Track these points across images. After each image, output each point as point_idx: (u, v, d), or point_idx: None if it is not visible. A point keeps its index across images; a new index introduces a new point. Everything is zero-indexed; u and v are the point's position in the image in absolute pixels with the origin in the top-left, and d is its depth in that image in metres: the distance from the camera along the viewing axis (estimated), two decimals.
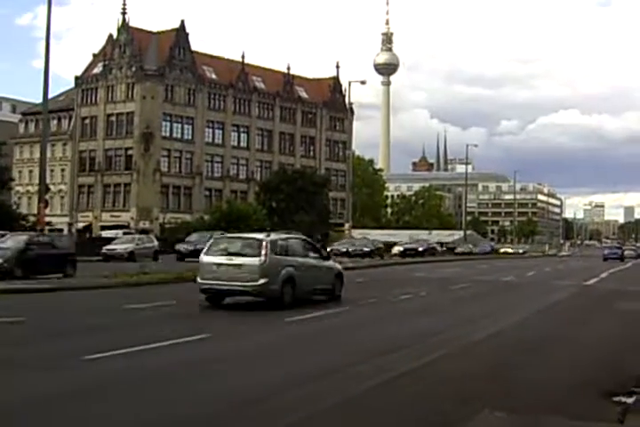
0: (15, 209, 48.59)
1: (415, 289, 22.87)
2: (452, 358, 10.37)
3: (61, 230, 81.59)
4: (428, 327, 14.06)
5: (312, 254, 19.12)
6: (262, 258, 16.73)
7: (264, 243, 17.07)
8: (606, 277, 35.62)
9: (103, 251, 41.34)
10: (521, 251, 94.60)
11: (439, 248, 78.24)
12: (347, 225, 65.92)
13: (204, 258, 17.46)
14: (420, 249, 65.13)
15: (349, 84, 68.49)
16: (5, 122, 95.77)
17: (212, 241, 18.61)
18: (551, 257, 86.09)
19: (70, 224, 68.43)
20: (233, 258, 16.96)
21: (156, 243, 45.06)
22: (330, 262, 20.30)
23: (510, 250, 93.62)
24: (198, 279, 17.18)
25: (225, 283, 16.61)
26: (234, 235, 21.81)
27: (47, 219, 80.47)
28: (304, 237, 20.95)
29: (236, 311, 16.36)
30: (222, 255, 17.17)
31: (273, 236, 18.42)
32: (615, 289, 27.10)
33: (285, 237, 19.25)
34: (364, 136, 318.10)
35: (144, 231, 74.83)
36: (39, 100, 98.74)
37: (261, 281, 16.54)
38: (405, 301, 19.97)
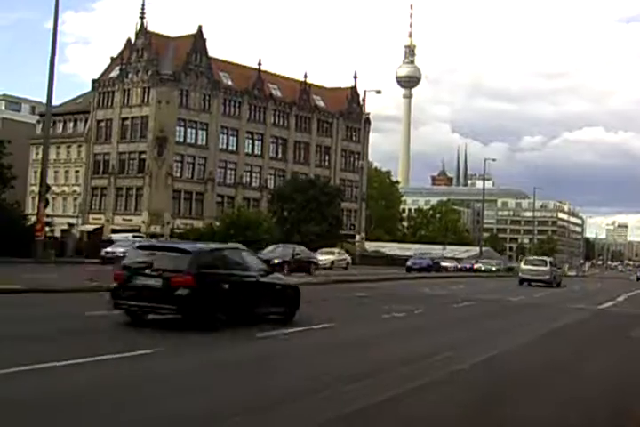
0: (17, 208, 47.96)
1: None
2: (431, 391, 9.36)
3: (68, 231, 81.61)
4: (416, 350, 13.04)
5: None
6: (549, 267, 46.08)
7: (548, 261, 49.40)
8: (623, 301, 33.96)
9: (102, 254, 40.54)
10: (494, 268, 76.94)
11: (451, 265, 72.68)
12: (357, 236, 65.07)
13: (523, 266, 47.07)
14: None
15: (365, 94, 68.30)
16: (24, 123, 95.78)
17: (524, 259, 52.06)
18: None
19: (71, 225, 67.68)
20: (536, 267, 45.37)
21: None
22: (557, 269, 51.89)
23: (482, 266, 76.76)
24: (520, 275, 45.83)
25: (534, 277, 43.90)
26: (535, 258, 56.49)
27: (60, 220, 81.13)
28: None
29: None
30: (532, 265, 45.64)
31: (549, 259, 53.53)
32: (632, 314, 25.72)
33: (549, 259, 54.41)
34: (385, 148, 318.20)
35: (153, 236, 74.56)
36: (57, 101, 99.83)
37: (547, 277, 44.22)
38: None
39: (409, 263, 62.11)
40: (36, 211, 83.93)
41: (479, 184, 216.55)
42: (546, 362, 12.63)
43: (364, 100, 75.93)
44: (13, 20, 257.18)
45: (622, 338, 17.32)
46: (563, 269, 64.97)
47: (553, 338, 16.89)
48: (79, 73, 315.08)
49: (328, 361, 11.22)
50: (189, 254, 13.61)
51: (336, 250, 55.35)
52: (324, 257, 50.05)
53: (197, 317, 13.45)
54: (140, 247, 15.22)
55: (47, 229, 42.28)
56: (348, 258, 54.85)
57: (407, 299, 26.33)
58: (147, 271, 13.42)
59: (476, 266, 76.64)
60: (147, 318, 13.97)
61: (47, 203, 31.92)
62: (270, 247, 42.79)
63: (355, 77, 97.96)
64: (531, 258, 53.88)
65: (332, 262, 50.72)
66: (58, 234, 62.10)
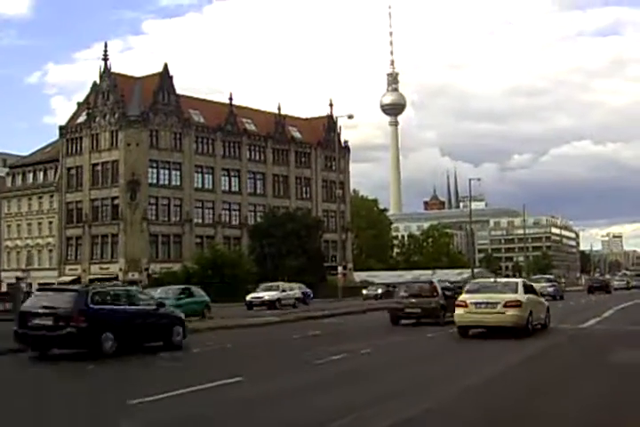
0: None
1: None
2: None
3: (51, 284, 78.91)
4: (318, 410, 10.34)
5: None
6: (626, 281, 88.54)
7: (626, 279, 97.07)
8: (610, 316, 31.18)
9: None
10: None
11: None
12: (340, 268, 62.28)
13: (615, 282, 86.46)
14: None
15: (337, 120, 66.35)
16: None
17: (616, 275, 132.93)
18: None
19: (19, 279, 65.03)
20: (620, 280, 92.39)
21: None
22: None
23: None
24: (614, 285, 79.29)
25: (620, 286, 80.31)
26: (623, 273, 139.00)
27: (38, 273, 78.46)
28: None
29: None
30: (619, 277, 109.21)
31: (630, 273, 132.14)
32: (617, 331, 23.20)
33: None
34: (376, 178, 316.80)
35: (133, 283, 71.92)
36: (26, 152, 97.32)
37: (625, 284, 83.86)
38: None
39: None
40: (15, 266, 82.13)
41: (472, 206, 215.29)
42: (506, 405, 10.40)
43: (338, 126, 74.36)
44: None
45: (603, 364, 14.91)
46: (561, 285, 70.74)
47: (522, 368, 14.60)
48: (60, 123, 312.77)
49: None
50: None
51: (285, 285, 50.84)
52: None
53: None
54: None
55: None
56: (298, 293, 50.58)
57: (362, 335, 23.67)
58: None
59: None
60: None
61: None
62: None
63: (331, 105, 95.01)
64: (619, 273, 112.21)
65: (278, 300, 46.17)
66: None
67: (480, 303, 21.38)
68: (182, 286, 36.25)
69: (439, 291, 27.83)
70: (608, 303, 41.99)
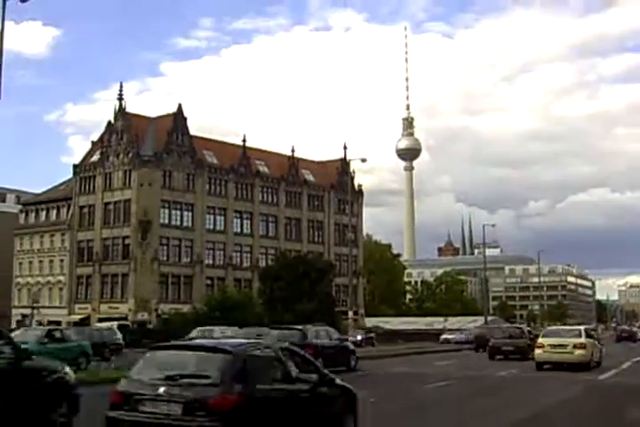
0: None
1: None
2: None
3: (59, 323, 78.46)
4: None
5: None
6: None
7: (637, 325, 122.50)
8: (627, 368, 30.22)
9: None
10: None
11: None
12: (350, 313, 61.52)
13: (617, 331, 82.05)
14: None
15: (349, 163, 66.09)
16: (8, 213, 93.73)
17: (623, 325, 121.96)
18: None
19: (25, 316, 64.56)
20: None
21: (119, 336, 41.24)
22: None
23: None
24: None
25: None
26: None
27: (47, 311, 78.25)
28: None
29: None
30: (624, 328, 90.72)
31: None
32: (636, 385, 21.98)
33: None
34: (390, 222, 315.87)
35: (142, 323, 71.38)
36: (42, 190, 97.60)
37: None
38: None
39: None
40: (25, 303, 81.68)
41: (486, 252, 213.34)
42: None
43: (352, 170, 74.33)
44: (12, 112, 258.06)
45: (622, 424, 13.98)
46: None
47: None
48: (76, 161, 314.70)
49: None
50: None
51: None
52: None
53: None
54: None
55: None
56: None
57: (372, 382, 22.53)
58: None
59: None
60: None
61: None
62: None
63: (345, 148, 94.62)
64: (637, 323, 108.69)
65: None
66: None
67: (554, 345, 28.20)
68: (48, 328, 31.74)
69: (526, 334, 38.06)
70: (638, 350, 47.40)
